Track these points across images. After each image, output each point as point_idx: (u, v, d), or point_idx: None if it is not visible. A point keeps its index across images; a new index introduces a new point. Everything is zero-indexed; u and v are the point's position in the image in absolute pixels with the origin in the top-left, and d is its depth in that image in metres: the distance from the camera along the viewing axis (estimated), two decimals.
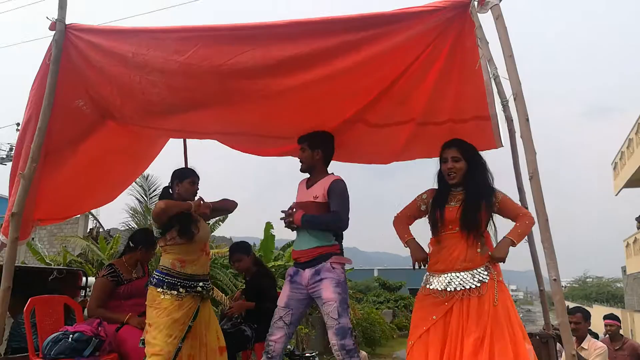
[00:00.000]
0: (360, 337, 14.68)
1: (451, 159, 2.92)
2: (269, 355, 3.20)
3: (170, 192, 3.45)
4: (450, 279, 2.79)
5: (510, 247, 2.77)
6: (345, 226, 3.24)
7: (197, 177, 3.49)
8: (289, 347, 12.36)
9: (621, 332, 5.79)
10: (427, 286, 2.89)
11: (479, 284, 2.73)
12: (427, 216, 3.04)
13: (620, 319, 6.02)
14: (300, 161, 3.42)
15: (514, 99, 2.56)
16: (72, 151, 3.54)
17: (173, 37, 2.90)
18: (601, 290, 40.15)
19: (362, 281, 28.38)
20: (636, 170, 18.76)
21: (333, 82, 2.91)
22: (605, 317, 5.78)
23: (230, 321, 4.20)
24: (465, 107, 3.13)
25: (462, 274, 2.77)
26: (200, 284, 3.30)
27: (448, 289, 2.78)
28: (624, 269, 25.91)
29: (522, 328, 2.70)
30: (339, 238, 3.31)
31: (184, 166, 3.70)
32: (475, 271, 2.76)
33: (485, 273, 2.76)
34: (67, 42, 3.11)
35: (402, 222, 3.11)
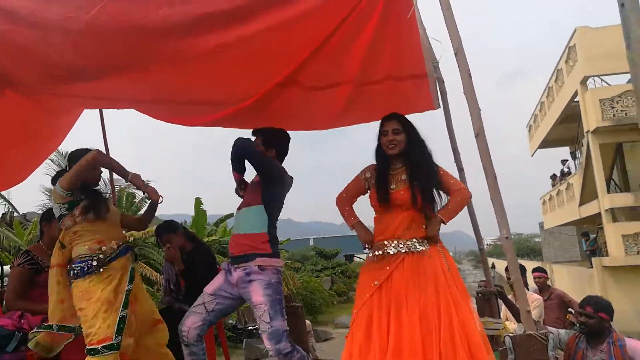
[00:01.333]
0: (301, 305, 14.83)
1: (392, 132, 2.85)
2: (185, 343, 3.04)
3: None
4: (390, 243, 2.75)
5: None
6: (238, 149, 3.05)
7: None
8: (230, 321, 12.30)
9: (548, 283, 6.12)
10: (369, 255, 2.87)
11: (420, 248, 2.70)
12: (368, 194, 2.97)
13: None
14: None
15: (455, 54, 2.47)
16: None
17: None
18: (521, 246, 43.05)
19: (298, 251, 28.62)
20: (548, 132, 19.95)
21: (263, 39, 2.68)
22: (534, 270, 6.07)
23: (169, 301, 3.95)
24: (402, 64, 3.05)
25: (402, 240, 2.73)
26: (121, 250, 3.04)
27: (390, 252, 2.74)
28: (541, 225, 27.88)
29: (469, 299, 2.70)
30: (272, 227, 3.10)
31: (98, 141, 3.34)
32: (415, 239, 2.73)
33: (427, 241, 2.76)
34: None
35: (346, 203, 3.03)
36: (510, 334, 2.49)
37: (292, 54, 2.98)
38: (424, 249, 2.70)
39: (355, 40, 2.90)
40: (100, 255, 2.93)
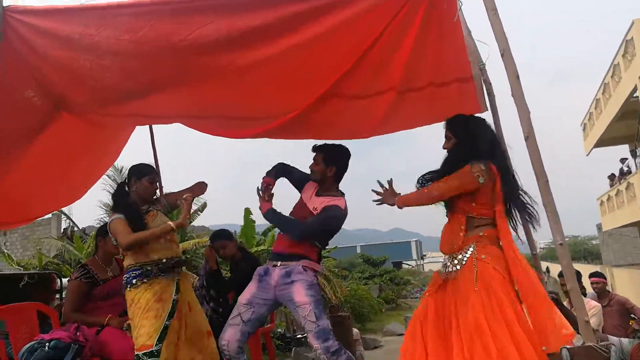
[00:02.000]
0: (349, 314, 14.75)
1: (445, 138, 2.83)
2: (227, 356, 3.06)
3: (127, 189, 3.21)
4: (443, 260, 2.76)
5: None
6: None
7: (157, 175, 3.31)
8: (279, 330, 12.39)
9: (607, 288, 5.83)
10: None
11: (457, 267, 2.62)
12: None
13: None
14: (311, 171, 3.27)
15: (502, 56, 2.41)
16: (26, 147, 3.26)
17: (124, 13, 2.64)
18: (578, 249, 41.19)
19: (346, 258, 28.50)
20: (605, 130, 19.05)
21: (305, 52, 2.72)
22: (591, 275, 5.80)
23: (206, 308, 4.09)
24: (446, 69, 2.98)
25: (446, 257, 2.72)
26: (171, 264, 3.14)
27: (441, 267, 2.75)
28: (599, 227, 26.62)
29: (515, 311, 2.41)
30: (323, 242, 3.24)
31: (152, 157, 3.49)
32: (458, 255, 2.65)
33: (466, 254, 2.60)
34: (6, 26, 2.79)
35: None
36: (568, 347, 2.36)
37: (335, 65, 2.99)
38: (458, 268, 2.59)
39: (397, 48, 2.88)
40: (148, 267, 3.02)
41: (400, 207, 2.76)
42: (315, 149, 3.26)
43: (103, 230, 3.72)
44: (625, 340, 3.25)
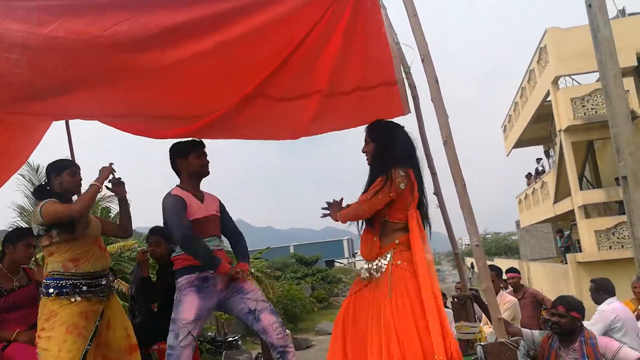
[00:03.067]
0: (281, 314, 14.75)
1: (364, 142, 2.84)
2: None
3: (48, 188, 3.03)
4: (364, 267, 2.80)
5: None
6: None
7: (78, 167, 3.14)
8: (209, 333, 12.12)
9: (521, 282, 6.21)
10: None
11: (376, 274, 2.67)
12: None
13: (518, 269, 6.46)
14: (205, 167, 3.25)
15: (422, 61, 2.46)
16: None
17: (33, 5, 2.44)
18: (499, 245, 43.62)
19: (279, 259, 28.45)
20: (523, 132, 20.29)
21: (229, 51, 2.65)
22: (507, 271, 6.15)
23: (139, 316, 3.97)
24: (372, 73, 3.04)
25: (368, 264, 2.74)
26: (103, 280, 2.98)
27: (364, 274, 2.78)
28: (517, 223, 28.30)
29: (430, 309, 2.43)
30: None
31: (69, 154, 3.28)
32: (376, 261, 2.69)
33: (384, 261, 2.64)
34: None
35: None
36: (482, 343, 2.47)
37: (261, 65, 2.95)
38: (377, 275, 2.63)
39: (323, 50, 2.90)
40: (75, 276, 2.84)
41: (344, 222, 2.77)
42: (201, 147, 3.28)
43: (12, 236, 3.44)
44: (536, 332, 3.43)
